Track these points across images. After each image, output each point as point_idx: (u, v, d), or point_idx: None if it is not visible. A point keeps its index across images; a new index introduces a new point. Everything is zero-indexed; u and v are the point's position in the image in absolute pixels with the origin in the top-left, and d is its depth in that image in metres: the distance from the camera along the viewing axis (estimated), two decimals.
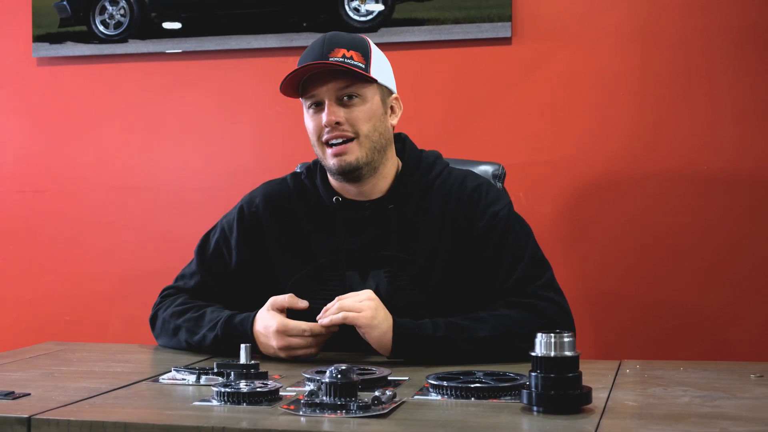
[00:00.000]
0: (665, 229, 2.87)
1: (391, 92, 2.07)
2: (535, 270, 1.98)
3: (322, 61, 1.95)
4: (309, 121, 2.02)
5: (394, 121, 2.07)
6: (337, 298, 1.88)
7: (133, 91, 3.27)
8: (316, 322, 1.89)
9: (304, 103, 2.03)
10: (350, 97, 1.98)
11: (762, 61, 2.80)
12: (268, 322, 1.91)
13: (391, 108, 2.07)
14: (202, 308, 2.04)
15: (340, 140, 1.97)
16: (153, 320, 2.13)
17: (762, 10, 2.79)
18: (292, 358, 1.89)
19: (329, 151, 1.99)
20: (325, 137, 1.99)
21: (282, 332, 1.88)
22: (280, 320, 1.89)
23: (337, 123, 1.97)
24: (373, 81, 2.00)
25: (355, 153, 1.97)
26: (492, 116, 2.98)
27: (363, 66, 1.98)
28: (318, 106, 2.00)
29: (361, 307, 1.84)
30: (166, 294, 2.14)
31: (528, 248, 2.02)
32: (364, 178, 2.01)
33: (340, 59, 1.95)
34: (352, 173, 1.99)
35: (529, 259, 1.99)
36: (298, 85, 2.01)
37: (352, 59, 1.97)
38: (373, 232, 2.03)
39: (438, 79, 3.02)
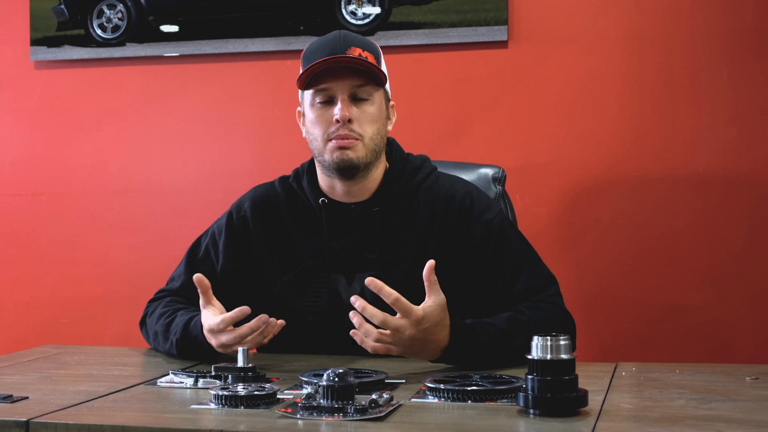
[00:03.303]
0: (661, 230, 2.88)
1: (389, 98, 2.08)
2: (543, 280, 1.99)
3: (346, 56, 1.94)
4: (314, 114, 1.99)
5: (389, 126, 2.08)
6: (397, 324, 1.71)
7: (131, 94, 3.27)
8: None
9: (311, 97, 2.00)
10: (361, 97, 1.98)
11: (756, 65, 2.81)
12: (204, 321, 1.89)
13: (388, 113, 2.08)
14: (175, 312, 2.03)
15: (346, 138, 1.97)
16: (141, 324, 2.13)
17: (756, 15, 2.80)
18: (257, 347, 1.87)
19: (332, 144, 1.97)
20: (333, 135, 1.96)
21: (210, 332, 1.85)
22: (206, 321, 1.86)
23: (349, 120, 1.95)
24: (384, 84, 2.02)
25: (358, 151, 1.96)
26: (488, 119, 2.99)
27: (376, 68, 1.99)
28: (328, 101, 1.98)
29: (392, 342, 1.73)
30: (155, 297, 2.15)
31: (527, 255, 2.03)
32: (357, 177, 2.01)
33: (357, 58, 1.95)
34: (350, 170, 1.98)
35: (532, 268, 2.00)
36: (306, 77, 1.99)
37: (367, 60, 1.96)
38: (359, 235, 2.02)
39: (434, 83, 3.03)
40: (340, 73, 1.96)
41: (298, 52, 3.09)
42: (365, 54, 1.97)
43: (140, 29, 3.21)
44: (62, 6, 3.26)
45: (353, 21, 3.04)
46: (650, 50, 2.88)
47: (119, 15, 3.22)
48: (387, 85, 2.06)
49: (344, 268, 2.01)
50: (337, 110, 1.95)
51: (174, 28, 3.19)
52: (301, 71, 2.00)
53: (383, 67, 2.03)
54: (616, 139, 2.90)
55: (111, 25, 3.23)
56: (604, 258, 2.91)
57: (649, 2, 2.88)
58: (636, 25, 2.89)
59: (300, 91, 2.05)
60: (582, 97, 2.92)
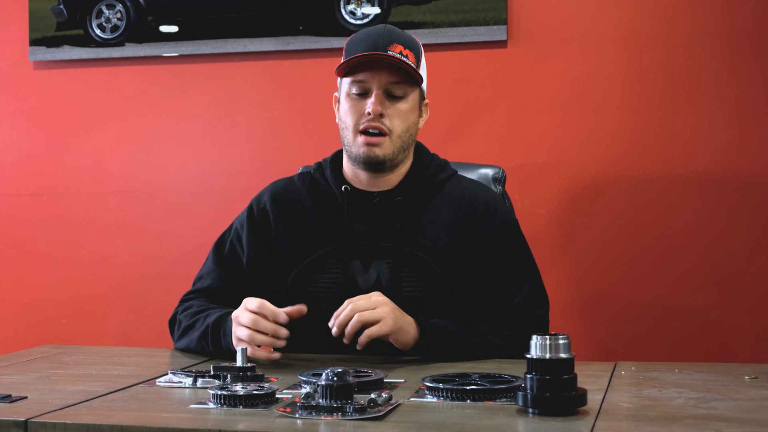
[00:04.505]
0: (660, 230, 2.87)
1: (424, 96, 2.10)
2: (537, 300, 2.06)
3: (384, 54, 1.97)
4: (348, 103, 2.03)
5: (420, 124, 2.11)
6: (346, 302, 1.83)
7: (130, 94, 3.27)
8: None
9: (347, 86, 2.03)
10: (396, 95, 2.01)
11: (755, 64, 2.81)
12: (247, 303, 1.87)
13: (420, 111, 2.10)
14: (209, 308, 2.04)
15: (375, 131, 2.00)
16: (171, 321, 2.13)
17: (756, 15, 2.80)
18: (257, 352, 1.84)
19: (362, 138, 2.01)
20: (363, 126, 2.00)
21: (254, 310, 1.84)
22: (260, 300, 1.86)
23: (381, 115, 1.99)
24: (420, 84, 2.04)
25: (385, 148, 2.01)
26: (488, 119, 2.99)
27: (415, 67, 2.01)
28: (363, 93, 2.01)
29: (379, 315, 1.82)
30: (186, 298, 2.15)
31: (530, 268, 2.08)
32: (383, 171, 2.05)
33: (398, 55, 1.98)
34: (376, 165, 2.03)
35: (533, 284, 2.06)
36: (346, 67, 2.02)
37: (407, 58, 2.00)
38: (379, 222, 2.05)
39: (434, 82, 3.01)
40: (378, 68, 2.00)
41: (298, 52, 3.10)
42: (406, 52, 2.01)
43: (139, 29, 3.20)
44: (61, 6, 3.26)
45: (352, 21, 3.03)
46: (650, 50, 2.88)
47: (118, 15, 3.22)
48: (424, 84, 2.09)
49: (361, 254, 2.04)
50: (369, 103, 1.99)
51: (173, 28, 3.19)
52: (342, 59, 2.03)
53: (422, 66, 2.07)
54: (616, 138, 2.90)
55: (110, 25, 3.23)
56: (604, 258, 2.91)
57: (649, 2, 2.88)
58: (636, 25, 2.89)
59: (339, 78, 2.08)
60: (582, 97, 2.92)
